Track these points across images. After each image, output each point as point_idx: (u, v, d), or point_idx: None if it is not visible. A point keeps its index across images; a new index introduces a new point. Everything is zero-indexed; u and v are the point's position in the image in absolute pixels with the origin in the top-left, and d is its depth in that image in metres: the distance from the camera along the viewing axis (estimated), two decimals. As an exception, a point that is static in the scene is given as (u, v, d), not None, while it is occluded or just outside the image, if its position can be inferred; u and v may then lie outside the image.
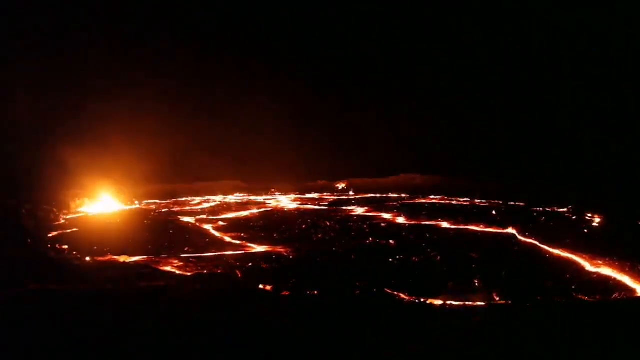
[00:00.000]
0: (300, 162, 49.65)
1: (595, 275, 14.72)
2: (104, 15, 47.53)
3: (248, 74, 53.26)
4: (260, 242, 20.52)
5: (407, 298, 12.22)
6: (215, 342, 7.99)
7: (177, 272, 15.17)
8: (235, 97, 53.65)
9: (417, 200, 38.36)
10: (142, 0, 47.91)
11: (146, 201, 38.77)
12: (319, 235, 22.21)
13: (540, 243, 19.25)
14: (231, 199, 42.30)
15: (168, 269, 15.61)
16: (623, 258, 15.95)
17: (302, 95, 54.64)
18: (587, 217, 26.22)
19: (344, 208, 33.83)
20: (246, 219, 28.85)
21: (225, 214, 31.06)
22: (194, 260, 17.06)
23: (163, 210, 33.17)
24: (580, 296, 12.46)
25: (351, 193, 46.08)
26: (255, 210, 32.79)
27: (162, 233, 22.81)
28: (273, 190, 46.67)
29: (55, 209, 27.84)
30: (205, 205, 36.86)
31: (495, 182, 40.28)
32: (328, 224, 25.37)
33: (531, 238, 20.21)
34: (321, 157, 50.56)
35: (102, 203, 34.06)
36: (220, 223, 26.57)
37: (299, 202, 38.40)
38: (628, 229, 22.33)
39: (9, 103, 35.63)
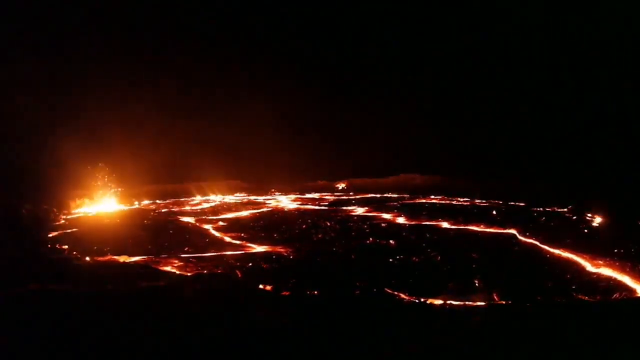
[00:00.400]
0: (300, 162, 49.67)
1: (595, 276, 14.71)
2: (103, 15, 47.53)
3: (248, 74, 53.28)
4: (260, 242, 20.52)
5: (407, 298, 12.22)
6: (215, 342, 7.99)
7: (177, 272, 15.17)
8: (234, 96, 53.63)
9: (417, 200, 38.36)
10: (141, 0, 47.91)
11: (146, 201, 38.78)
12: (319, 235, 22.21)
13: (540, 243, 19.25)
14: (231, 199, 42.31)
15: (168, 269, 15.61)
16: (623, 258, 15.96)
17: (302, 95, 54.64)
18: (587, 217, 26.23)
19: (344, 208, 33.83)
20: (246, 219, 28.85)
21: (225, 214, 31.06)
22: (194, 260, 17.06)
23: (163, 210, 33.18)
24: (580, 296, 12.46)
25: (353, 193, 46.08)
26: (255, 210, 32.80)
27: (162, 233, 22.82)
28: (273, 190, 46.68)
29: (55, 209, 27.84)
30: (205, 205, 36.87)
31: (495, 182, 40.27)
32: (328, 224, 25.37)
33: (531, 238, 20.21)
34: (321, 157, 50.58)
35: (102, 203, 34.07)
36: (220, 223, 26.58)
37: (299, 202, 38.40)
38: (628, 229, 22.34)
39: (9, 103, 35.63)
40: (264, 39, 53.67)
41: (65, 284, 11.65)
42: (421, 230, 23.32)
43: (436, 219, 26.19)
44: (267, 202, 39.33)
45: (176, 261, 16.78)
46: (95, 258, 16.86)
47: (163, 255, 17.60)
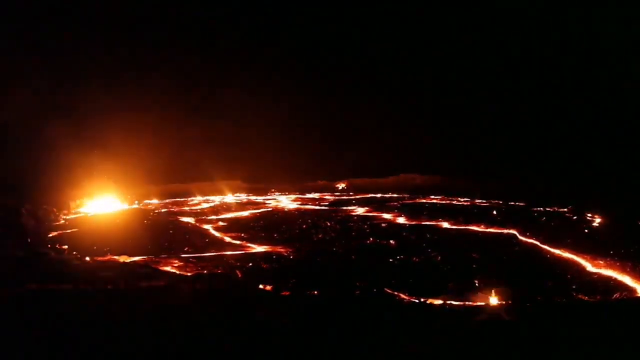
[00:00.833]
0: (300, 162, 49.59)
1: (596, 276, 14.71)
2: (103, 14, 47.53)
3: (248, 74, 53.23)
4: (260, 242, 20.51)
5: (407, 298, 12.21)
6: (215, 342, 7.98)
7: (177, 272, 15.17)
8: (235, 97, 53.59)
9: (418, 200, 38.34)
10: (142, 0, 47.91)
11: (146, 201, 38.76)
12: (319, 235, 22.20)
13: (541, 243, 19.24)
14: (231, 199, 42.29)
15: (168, 269, 15.61)
16: (624, 258, 15.96)
17: (302, 95, 54.60)
18: (587, 217, 26.21)
19: (344, 208, 33.81)
20: (246, 219, 28.83)
21: (225, 214, 31.04)
22: (194, 260, 17.05)
23: (163, 210, 33.17)
24: (580, 296, 12.45)
25: (353, 193, 46.08)
26: (255, 210, 32.78)
27: (162, 233, 22.81)
28: (273, 190, 46.65)
29: (55, 209, 27.83)
30: (205, 205, 36.85)
31: (495, 182, 40.24)
32: (328, 224, 25.36)
33: (532, 238, 20.20)
34: (321, 157, 50.50)
35: (102, 203, 34.06)
36: (220, 223, 26.56)
37: (299, 202, 38.39)
38: (629, 229, 22.33)
39: (9, 103, 35.61)
40: (265, 40, 53.66)
41: (65, 284, 11.64)
42: (421, 230, 23.31)
43: (436, 219, 26.18)
44: (267, 202, 39.31)
45: (176, 261, 16.78)
46: (95, 258, 16.85)
47: (163, 255, 17.59)
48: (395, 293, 12.54)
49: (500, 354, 7.75)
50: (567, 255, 17.23)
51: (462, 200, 37.49)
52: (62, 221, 26.96)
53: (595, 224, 24.68)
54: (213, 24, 52.41)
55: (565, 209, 29.17)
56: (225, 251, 18.78)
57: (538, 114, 48.90)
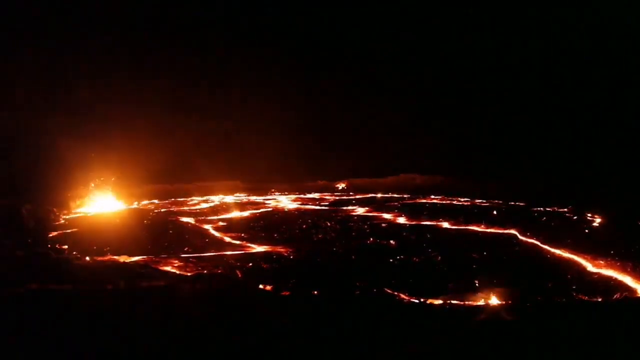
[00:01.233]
0: (300, 162, 49.58)
1: (596, 276, 14.70)
2: (103, 13, 47.53)
3: (247, 73, 53.21)
4: (260, 242, 20.50)
5: (407, 298, 12.20)
6: (215, 342, 7.97)
7: (177, 272, 15.16)
8: (234, 96, 53.59)
9: (418, 200, 38.34)
10: (142, -1, 47.90)
11: (145, 201, 38.75)
12: (320, 236, 22.19)
13: (541, 243, 19.24)
14: (231, 199, 42.28)
15: (168, 269, 15.60)
16: (624, 258, 15.95)
17: (302, 95, 54.62)
18: (588, 217, 26.20)
19: (344, 208, 33.80)
20: (246, 219, 28.83)
21: (225, 214, 31.03)
22: (194, 260, 17.04)
23: (162, 210, 33.16)
24: (581, 296, 12.44)
25: (353, 193, 46.07)
26: (255, 210, 32.77)
27: (162, 233, 22.80)
28: (273, 190, 46.64)
29: (55, 209, 27.82)
30: (205, 205, 36.83)
31: (495, 182, 40.24)
32: (328, 224, 25.35)
33: (532, 238, 20.19)
34: (321, 157, 50.48)
35: (102, 203, 34.05)
36: (220, 223, 26.55)
37: (299, 202, 38.38)
38: (629, 228, 22.32)
39: (9, 102, 35.63)
40: (265, 39, 53.65)
41: (65, 284, 11.63)
42: (422, 230, 23.30)
43: (436, 219, 26.18)
44: (267, 202, 39.31)
45: (176, 261, 16.77)
46: (95, 258, 16.84)
47: (163, 255, 17.58)
48: (395, 293, 12.53)
49: (500, 354, 7.74)
50: (567, 255, 17.23)
51: (462, 200, 37.49)
52: (62, 221, 26.95)
53: (595, 224, 24.67)
54: (213, 23, 52.42)
55: (566, 209, 29.17)
56: (225, 251, 18.78)
57: (538, 113, 48.91)
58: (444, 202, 37.28)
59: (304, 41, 55.14)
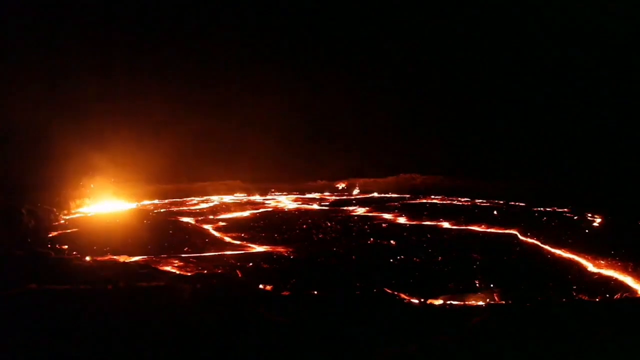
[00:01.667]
0: (300, 162, 49.62)
1: (597, 276, 14.68)
2: (103, 13, 47.54)
3: (247, 73, 53.25)
4: (260, 242, 20.50)
5: (407, 298, 12.18)
6: (215, 342, 7.96)
7: (177, 272, 15.14)
8: (234, 96, 53.61)
9: (418, 200, 38.32)
10: None
11: (145, 201, 38.75)
12: (320, 236, 22.17)
13: (541, 243, 19.21)
14: (231, 199, 42.28)
15: (168, 269, 15.58)
16: (625, 258, 15.92)
17: (303, 95, 54.61)
18: (588, 217, 26.18)
19: (345, 208, 33.79)
20: (246, 219, 28.82)
21: (225, 214, 31.03)
22: (194, 260, 17.03)
23: (162, 211, 33.15)
24: (581, 296, 12.42)
25: (354, 192, 46.06)
26: (255, 211, 32.76)
27: (162, 233, 22.79)
28: (273, 190, 46.64)
29: (55, 209, 27.81)
30: (205, 205, 36.83)
31: (495, 182, 40.23)
32: (329, 224, 25.34)
33: (533, 238, 20.18)
34: (321, 157, 50.50)
35: (101, 203, 34.04)
36: (220, 223, 26.55)
37: (299, 202, 38.37)
38: (630, 229, 22.30)
39: (9, 102, 35.62)
40: (266, 40, 53.67)
41: (65, 284, 11.62)
42: (422, 230, 23.28)
43: (437, 219, 26.16)
44: (267, 202, 39.30)
45: (176, 261, 16.76)
46: (95, 258, 16.82)
47: (163, 255, 17.57)
48: (396, 293, 12.51)
49: (500, 354, 7.72)
50: (568, 255, 17.20)
51: (462, 200, 37.48)
52: (62, 221, 26.94)
53: (596, 224, 24.65)
54: (214, 23, 52.43)
55: (566, 209, 29.15)
56: (225, 251, 18.77)
57: (538, 114, 48.89)
58: (444, 202, 37.27)
59: (306, 41, 55.15)
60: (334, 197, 42.81)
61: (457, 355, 7.75)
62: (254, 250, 19.09)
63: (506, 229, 22.46)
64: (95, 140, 38.37)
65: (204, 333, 8.33)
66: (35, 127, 35.49)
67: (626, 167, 36.09)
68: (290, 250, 18.73)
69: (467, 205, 34.42)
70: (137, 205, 36.64)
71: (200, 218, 28.54)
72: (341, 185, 49.40)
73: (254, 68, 53.64)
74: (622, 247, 17.54)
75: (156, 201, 39.41)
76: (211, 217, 29.25)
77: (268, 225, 25.58)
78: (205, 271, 14.97)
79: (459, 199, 38.14)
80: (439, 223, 25.22)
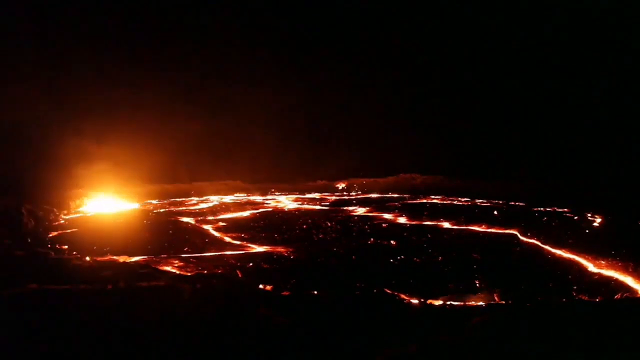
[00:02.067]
0: (300, 162, 49.64)
1: (597, 276, 14.66)
2: (103, 14, 47.54)
3: (247, 73, 53.26)
4: (260, 243, 20.49)
5: (407, 298, 12.18)
6: (215, 342, 7.96)
7: (177, 272, 15.14)
8: (235, 96, 53.59)
9: (418, 200, 38.32)
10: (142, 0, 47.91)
11: (145, 201, 38.75)
12: (320, 236, 22.17)
13: (542, 243, 19.20)
14: (231, 199, 42.27)
15: (168, 269, 15.58)
16: (626, 258, 15.91)
17: (303, 95, 54.61)
18: (588, 217, 26.18)
19: (345, 208, 33.79)
20: (246, 219, 28.82)
21: (225, 214, 31.03)
22: (194, 260, 17.03)
23: (162, 211, 33.15)
24: (582, 296, 12.42)
25: (354, 193, 46.05)
26: (255, 211, 32.76)
27: (161, 233, 22.79)
28: (273, 190, 46.64)
29: (55, 209, 27.81)
30: (205, 205, 36.84)
31: (495, 182, 40.24)
32: (329, 224, 25.33)
33: (533, 238, 20.16)
34: (321, 157, 50.52)
35: (101, 203, 34.04)
36: (220, 223, 26.55)
37: (299, 202, 38.37)
38: (630, 229, 22.29)
39: (9, 102, 35.63)
40: (265, 39, 53.65)
41: (65, 284, 11.62)
42: (422, 230, 23.28)
43: (437, 219, 26.15)
44: (267, 202, 39.30)
45: (176, 261, 16.75)
46: (95, 258, 16.81)
47: (163, 255, 17.57)
48: (396, 293, 12.51)
49: (500, 354, 7.72)
50: (568, 255, 17.19)
51: (462, 200, 37.47)
52: (62, 221, 26.94)
53: (596, 224, 24.64)
54: (213, 23, 52.43)
55: (566, 209, 29.14)
56: (225, 251, 18.77)
57: (539, 114, 48.89)
58: (444, 202, 37.26)
59: (306, 41, 55.15)
60: (334, 197, 42.80)
61: (457, 355, 7.74)
62: (254, 250, 19.08)
63: (506, 229, 22.45)
64: (95, 140, 38.38)
65: (203, 333, 8.32)
66: (35, 127, 35.51)
67: (626, 167, 36.08)
68: (290, 250, 18.72)
69: (467, 205, 34.41)
70: (137, 205, 36.64)
71: (200, 218, 28.54)
72: (341, 185, 49.41)
73: (253, 68, 53.68)
74: (622, 247, 17.53)
75: (156, 201, 39.40)
76: (211, 217, 29.25)
77: (268, 225, 25.58)
78: (205, 271, 14.97)
79: (459, 199, 38.13)
80: (439, 223, 25.22)
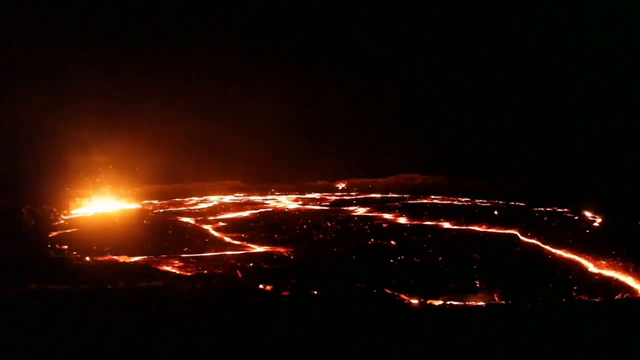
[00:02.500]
0: (300, 162, 49.62)
1: (597, 276, 14.66)
2: (103, 13, 47.56)
3: (247, 73, 53.25)
4: (260, 243, 20.48)
5: (407, 298, 12.17)
6: (215, 342, 7.95)
7: (177, 272, 15.14)
8: (234, 96, 53.62)
9: (418, 201, 38.30)
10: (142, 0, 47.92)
11: (145, 201, 38.74)
12: (320, 236, 22.16)
13: (542, 243, 19.19)
14: (230, 199, 42.26)
15: (168, 269, 15.58)
16: (626, 258, 15.90)
17: (302, 95, 54.60)
18: (589, 217, 26.16)
19: (345, 208, 33.76)
20: (246, 219, 28.80)
21: (225, 214, 31.02)
22: (194, 260, 17.02)
23: (162, 211, 33.14)
24: (582, 296, 12.41)
25: (354, 193, 46.07)
26: (255, 211, 32.74)
27: (161, 233, 22.78)
28: (273, 190, 46.62)
29: (55, 209, 27.80)
30: (205, 205, 36.81)
31: (495, 182, 40.24)
32: (329, 224, 25.32)
33: (533, 238, 20.15)
34: (321, 157, 50.49)
35: (101, 203, 34.04)
36: (220, 223, 26.53)
37: (299, 203, 38.35)
38: (631, 229, 22.27)
39: (9, 102, 35.64)
40: (264, 39, 53.64)
41: (65, 284, 11.62)
42: (422, 230, 23.27)
43: (437, 219, 26.14)
44: (267, 202, 39.28)
45: (176, 261, 16.75)
46: (95, 258, 16.82)
47: (163, 255, 17.56)
48: (396, 293, 12.50)
49: (500, 354, 7.71)
50: (568, 255, 17.18)
51: (463, 200, 37.45)
52: (62, 221, 26.93)
53: (596, 224, 24.63)
54: (213, 23, 52.43)
55: (566, 209, 29.12)
56: (225, 251, 18.76)
57: (539, 114, 48.89)
58: (444, 202, 37.24)
59: (305, 41, 55.15)
60: (334, 197, 42.77)
61: (458, 355, 7.74)
62: (254, 251, 19.08)
63: (506, 229, 22.44)
64: (94, 140, 38.35)
65: (203, 333, 8.32)
66: (35, 127, 35.51)
67: (626, 167, 36.07)
68: (290, 250, 18.72)
69: (467, 205, 34.39)
70: (137, 205, 36.63)
71: (200, 218, 28.52)
72: (341, 185, 49.38)
73: (253, 67, 53.66)
74: (622, 247, 17.52)
75: (156, 201, 39.38)
76: (211, 217, 29.23)
77: (268, 225, 25.57)
78: (205, 271, 14.97)
79: (459, 199, 38.10)
80: (439, 223, 25.20)
